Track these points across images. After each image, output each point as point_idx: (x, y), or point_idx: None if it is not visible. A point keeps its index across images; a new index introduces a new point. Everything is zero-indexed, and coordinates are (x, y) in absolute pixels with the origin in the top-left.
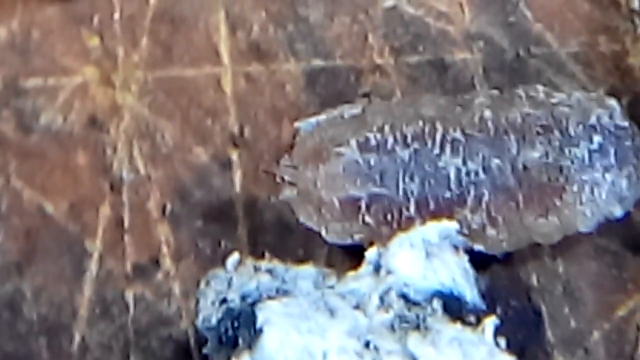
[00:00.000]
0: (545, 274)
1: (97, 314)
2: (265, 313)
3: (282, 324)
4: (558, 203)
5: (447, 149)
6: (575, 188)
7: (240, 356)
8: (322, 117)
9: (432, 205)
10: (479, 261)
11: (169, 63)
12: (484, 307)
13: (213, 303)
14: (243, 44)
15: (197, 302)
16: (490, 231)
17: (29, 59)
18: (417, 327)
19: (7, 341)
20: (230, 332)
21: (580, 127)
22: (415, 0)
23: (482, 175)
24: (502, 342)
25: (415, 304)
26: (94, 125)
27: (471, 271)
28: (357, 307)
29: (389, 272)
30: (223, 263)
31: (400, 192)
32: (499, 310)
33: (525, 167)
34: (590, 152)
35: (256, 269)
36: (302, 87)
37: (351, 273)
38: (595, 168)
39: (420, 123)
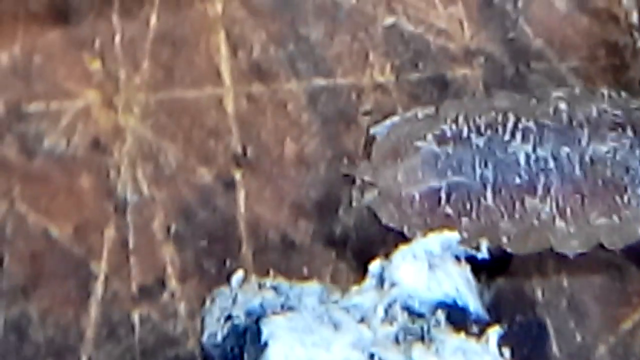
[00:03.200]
0: (550, 288)
1: (104, 335)
2: (270, 327)
3: (286, 337)
4: (619, 202)
5: (518, 135)
6: None
7: None
8: (395, 119)
9: (504, 193)
10: (484, 276)
11: (170, 85)
12: (487, 317)
13: (218, 320)
14: (244, 64)
15: (203, 319)
16: (560, 223)
17: (31, 84)
18: (422, 339)
19: None
20: (236, 349)
21: None
22: (414, 17)
23: (551, 163)
24: (507, 352)
25: (420, 315)
26: (97, 148)
27: (474, 281)
28: (361, 320)
29: (392, 285)
30: (228, 282)
31: (477, 179)
32: (504, 325)
33: (592, 161)
34: None
35: (261, 286)
36: (303, 106)
37: (355, 287)
38: None
39: (493, 113)
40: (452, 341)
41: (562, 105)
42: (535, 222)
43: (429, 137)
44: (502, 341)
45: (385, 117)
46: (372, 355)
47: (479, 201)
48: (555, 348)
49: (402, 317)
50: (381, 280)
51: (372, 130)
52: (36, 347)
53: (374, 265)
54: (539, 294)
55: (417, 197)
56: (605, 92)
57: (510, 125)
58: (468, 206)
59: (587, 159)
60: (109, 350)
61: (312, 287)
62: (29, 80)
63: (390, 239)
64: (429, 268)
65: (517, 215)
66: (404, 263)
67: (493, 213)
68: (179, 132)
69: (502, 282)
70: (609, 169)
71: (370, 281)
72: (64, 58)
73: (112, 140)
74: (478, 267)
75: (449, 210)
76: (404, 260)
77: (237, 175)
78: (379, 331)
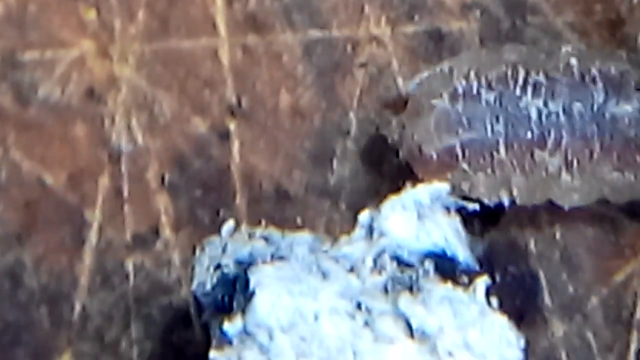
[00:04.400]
0: (543, 240)
1: (98, 283)
2: (258, 276)
3: (274, 286)
4: (639, 160)
5: (529, 90)
6: None
7: (233, 319)
8: (424, 74)
9: (516, 147)
10: (477, 227)
11: (165, 35)
12: (476, 267)
13: (208, 269)
14: (240, 15)
15: (193, 268)
16: (565, 176)
17: (25, 33)
18: (410, 289)
19: (8, 310)
20: (225, 297)
21: None
22: None
23: (562, 117)
24: (494, 301)
25: (408, 265)
26: (91, 97)
27: (463, 232)
28: (350, 270)
29: (381, 235)
30: (220, 230)
31: (489, 135)
32: (497, 276)
33: (614, 118)
34: None
35: (251, 236)
36: (299, 57)
37: (344, 237)
38: None
39: (504, 67)
40: (439, 290)
41: (573, 61)
42: (544, 174)
43: (444, 94)
44: (495, 292)
45: (380, 69)
46: (359, 304)
47: (492, 155)
48: (547, 299)
49: (390, 266)
50: (370, 231)
51: (405, 88)
52: (30, 293)
53: (363, 216)
54: (532, 245)
55: (434, 155)
56: (624, 53)
57: (520, 79)
58: (482, 161)
59: (606, 115)
60: (102, 298)
61: (303, 236)
62: (24, 29)
63: (384, 189)
64: (418, 218)
65: (527, 168)
66: (393, 213)
67: (506, 167)
68: (174, 82)
69: (495, 233)
70: (632, 128)
71: (359, 231)
72: (59, 7)
73: (106, 89)
74: (471, 219)
75: (465, 166)
76: (393, 210)
77: (232, 126)
78: (367, 280)
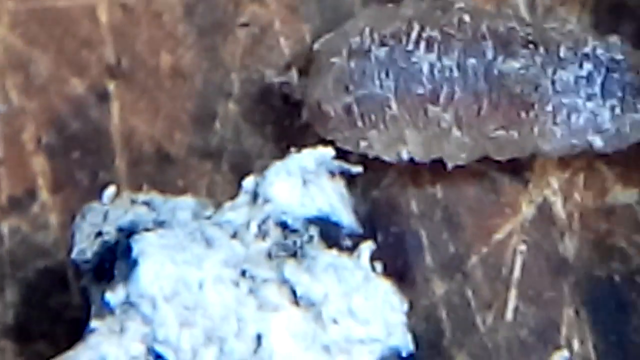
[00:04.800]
0: (425, 200)
1: None
2: (140, 245)
3: (157, 255)
4: (523, 117)
5: (422, 45)
6: (549, 108)
7: (115, 289)
8: (329, 34)
9: (409, 102)
10: (359, 188)
11: None
12: (360, 231)
13: (89, 236)
14: None
15: (73, 235)
16: (456, 132)
17: None
18: (294, 255)
19: None
20: (106, 264)
21: (571, 52)
22: None
23: (455, 73)
24: (379, 266)
25: (293, 231)
26: None
27: (348, 196)
28: (234, 236)
29: (266, 201)
30: (101, 194)
31: (379, 91)
32: (379, 237)
33: (501, 75)
34: (576, 77)
35: (133, 201)
36: (179, 17)
37: (228, 203)
38: (578, 94)
39: (398, 23)
40: (324, 258)
41: (466, 17)
42: (437, 129)
43: (343, 51)
44: (377, 253)
45: (262, 29)
46: (244, 272)
47: (384, 111)
48: (428, 259)
49: (275, 232)
50: (255, 196)
51: (314, 46)
52: None
53: (247, 182)
54: (413, 205)
55: (332, 112)
56: (511, 12)
57: (414, 35)
58: (374, 118)
59: (494, 72)
60: None
61: (186, 201)
62: None
63: (267, 151)
64: (302, 184)
65: (420, 124)
66: (277, 179)
67: (399, 122)
68: (51, 42)
69: (377, 194)
70: (518, 85)
71: (243, 197)
72: None
73: None
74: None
75: (360, 123)
76: (278, 176)
77: (111, 87)
78: (251, 247)
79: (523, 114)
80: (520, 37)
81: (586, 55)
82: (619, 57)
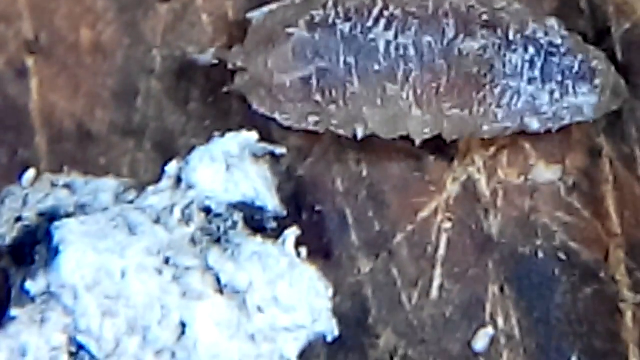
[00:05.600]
0: (350, 178)
1: None
2: (61, 232)
3: (78, 243)
4: (475, 97)
5: (382, 22)
6: (498, 90)
7: (35, 277)
8: (273, 6)
9: (367, 79)
10: (284, 167)
11: None
12: (285, 213)
13: (8, 221)
14: None
15: None
16: (416, 111)
17: None
18: (218, 240)
19: None
20: (27, 249)
21: (519, 35)
22: None
23: (411, 50)
24: (304, 251)
25: (217, 215)
26: None
27: (272, 179)
28: (157, 221)
29: (190, 187)
30: (21, 175)
31: (342, 66)
32: (304, 216)
33: (460, 53)
34: (523, 61)
35: (53, 184)
36: None
37: (151, 187)
38: (522, 78)
39: None
40: (249, 245)
41: None
42: (396, 108)
43: (301, 23)
44: (303, 230)
45: (184, 5)
46: (167, 260)
47: (345, 87)
48: (354, 237)
49: (199, 217)
50: (178, 181)
51: (248, 15)
52: None
53: (171, 166)
54: (339, 184)
55: (288, 84)
56: None
57: (376, 11)
58: (334, 93)
59: (454, 51)
60: None
61: (108, 182)
62: None
63: (190, 129)
64: (226, 169)
65: (379, 102)
66: (201, 165)
67: (359, 99)
68: None
69: (302, 172)
70: (475, 65)
71: (166, 182)
72: None
73: None
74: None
75: (318, 97)
76: (201, 162)
77: (30, 62)
78: (175, 232)
79: (474, 94)
80: (479, 16)
81: (528, 39)
82: (558, 41)
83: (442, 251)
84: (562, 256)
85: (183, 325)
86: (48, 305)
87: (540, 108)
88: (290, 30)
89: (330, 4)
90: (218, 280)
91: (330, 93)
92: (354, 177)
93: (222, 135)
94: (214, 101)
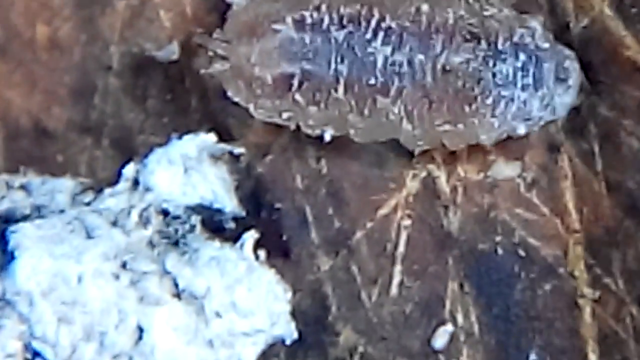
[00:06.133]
0: (309, 176)
1: None
2: (17, 237)
3: (34, 249)
4: (467, 110)
5: (380, 36)
6: (490, 100)
7: None
8: None
9: (357, 90)
10: (244, 165)
11: None
12: (243, 214)
13: None
14: None
15: None
16: (406, 125)
17: None
18: (176, 243)
19: None
20: None
21: (508, 43)
22: None
23: (406, 67)
24: (262, 254)
25: (175, 217)
26: None
27: (230, 180)
28: (115, 223)
29: (147, 190)
30: None
31: (331, 72)
32: (263, 214)
33: (445, 69)
34: (515, 69)
35: (9, 186)
36: None
37: (108, 189)
38: (515, 85)
39: (358, 6)
40: (207, 250)
41: (424, 7)
42: (384, 120)
43: (289, 20)
44: (261, 229)
45: (142, 1)
46: (124, 264)
47: (329, 93)
48: (314, 234)
49: (156, 220)
50: (135, 183)
51: (237, 5)
52: None
53: (128, 169)
54: (298, 181)
55: (269, 79)
56: None
57: (373, 23)
58: (318, 96)
59: (439, 67)
60: None
61: (65, 183)
62: None
63: (149, 126)
64: (184, 172)
65: (366, 111)
66: (159, 167)
67: (343, 106)
68: None
69: (261, 170)
70: (460, 79)
71: (123, 184)
72: None
73: None
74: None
75: (298, 97)
76: (159, 164)
77: None
78: (132, 235)
79: (466, 108)
80: (465, 28)
81: (518, 45)
82: (544, 44)
83: (401, 248)
84: (522, 252)
85: (140, 330)
86: (3, 312)
87: (530, 113)
88: (277, 26)
89: (323, 7)
90: (176, 285)
91: (313, 95)
92: (313, 175)
93: (180, 137)
94: (172, 98)
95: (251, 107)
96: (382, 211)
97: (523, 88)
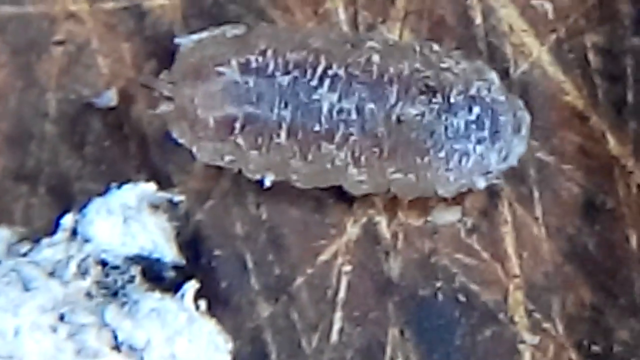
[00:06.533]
0: (249, 222)
1: None
2: None
3: None
4: (419, 163)
5: (326, 83)
6: (442, 154)
7: None
8: (203, 34)
9: (301, 135)
10: (183, 212)
11: None
12: (183, 263)
13: None
14: None
15: None
16: (352, 170)
17: None
18: (115, 294)
19: None
20: None
21: (462, 96)
22: None
23: (354, 115)
24: (203, 304)
25: (114, 268)
26: None
27: (170, 228)
28: (52, 274)
29: (86, 240)
30: None
31: (274, 117)
32: (203, 261)
33: (399, 120)
34: (467, 122)
35: None
36: None
37: (46, 240)
38: (469, 139)
39: (305, 53)
40: (147, 302)
41: (375, 57)
42: (329, 166)
43: (234, 63)
44: (202, 278)
45: (79, 47)
46: (62, 316)
47: (271, 138)
48: (253, 281)
49: (95, 270)
50: (74, 234)
51: (176, 40)
52: None
53: (66, 219)
54: (238, 227)
55: (211, 122)
56: (418, 47)
57: (320, 70)
58: (260, 140)
59: (393, 118)
60: None
61: (1, 232)
62: None
63: (86, 173)
64: (123, 222)
65: (310, 157)
66: (98, 218)
67: (285, 151)
68: None
69: (201, 216)
70: (414, 131)
71: (61, 234)
72: None
73: None
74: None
75: (240, 140)
76: (98, 214)
77: None
78: (70, 286)
79: (419, 159)
80: (421, 80)
81: (473, 98)
82: (501, 97)
83: (342, 294)
84: (462, 298)
85: None
86: None
87: (488, 167)
88: (220, 69)
89: (269, 53)
90: (115, 337)
91: (255, 139)
92: (253, 221)
93: (120, 187)
94: (110, 145)
95: (194, 149)
96: (323, 257)
97: (479, 141)
